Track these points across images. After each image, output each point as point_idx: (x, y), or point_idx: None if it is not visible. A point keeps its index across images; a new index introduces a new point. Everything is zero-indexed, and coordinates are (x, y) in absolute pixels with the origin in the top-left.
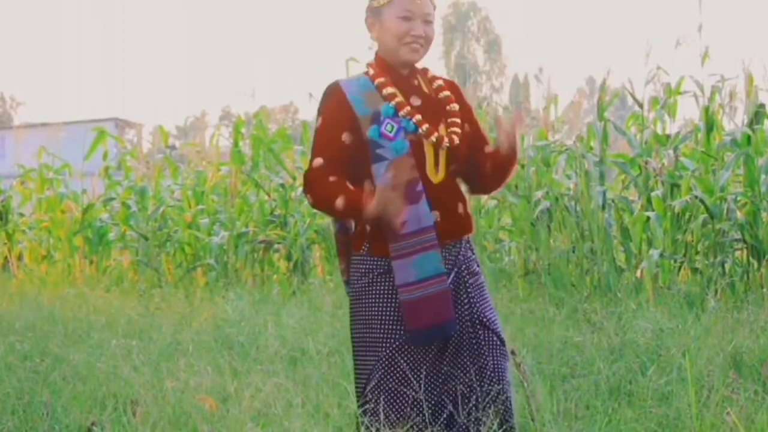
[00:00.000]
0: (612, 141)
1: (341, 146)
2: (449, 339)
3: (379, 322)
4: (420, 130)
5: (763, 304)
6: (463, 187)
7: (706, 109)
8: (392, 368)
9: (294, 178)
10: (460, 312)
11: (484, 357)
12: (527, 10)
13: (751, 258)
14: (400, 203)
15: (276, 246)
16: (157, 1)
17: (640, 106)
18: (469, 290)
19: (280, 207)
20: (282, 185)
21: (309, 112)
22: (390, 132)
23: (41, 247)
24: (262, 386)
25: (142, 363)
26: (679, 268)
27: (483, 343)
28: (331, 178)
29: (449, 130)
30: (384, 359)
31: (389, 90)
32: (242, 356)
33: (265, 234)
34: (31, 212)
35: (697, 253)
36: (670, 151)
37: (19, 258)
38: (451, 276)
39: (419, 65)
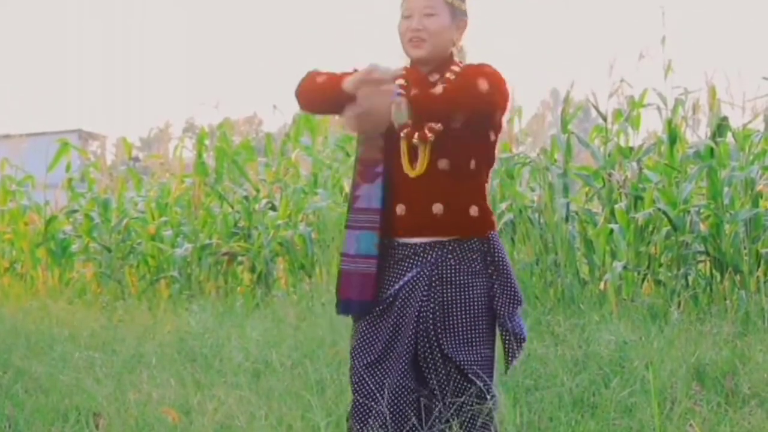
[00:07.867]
0: (576, 153)
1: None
2: (364, 316)
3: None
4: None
5: (725, 316)
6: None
7: (669, 122)
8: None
9: (257, 190)
10: (407, 315)
11: (428, 372)
12: (492, 20)
13: (714, 270)
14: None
15: (240, 258)
16: (121, 14)
17: (604, 118)
18: (431, 298)
19: (243, 219)
20: (246, 197)
21: (273, 124)
22: None
23: (3, 259)
24: (225, 398)
25: (104, 375)
26: (643, 280)
27: (428, 359)
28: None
29: (429, 125)
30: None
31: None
32: (205, 368)
33: (228, 246)
34: None
35: (660, 265)
36: (634, 164)
37: None
38: (409, 275)
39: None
